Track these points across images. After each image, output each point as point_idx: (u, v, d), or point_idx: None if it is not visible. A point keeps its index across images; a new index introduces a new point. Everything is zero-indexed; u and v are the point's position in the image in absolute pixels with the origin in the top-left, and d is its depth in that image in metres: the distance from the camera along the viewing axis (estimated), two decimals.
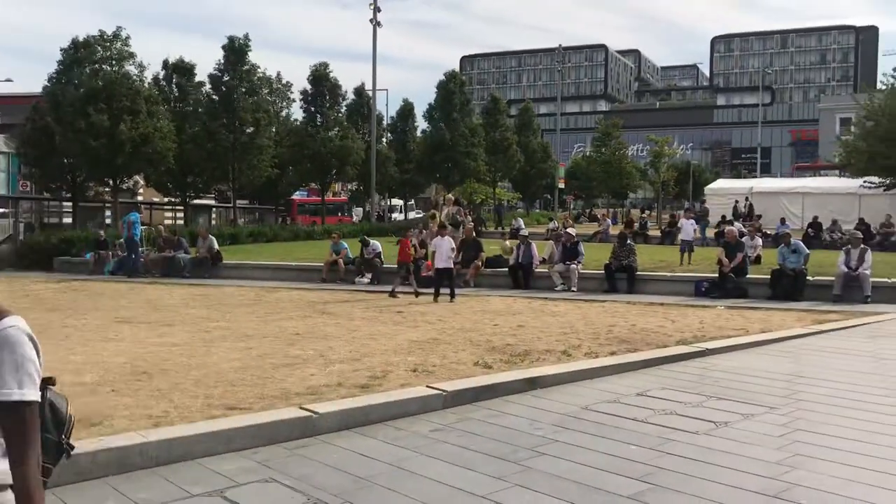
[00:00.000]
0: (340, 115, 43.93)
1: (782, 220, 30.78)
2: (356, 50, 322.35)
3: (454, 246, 15.55)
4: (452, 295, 14.33)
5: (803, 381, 7.32)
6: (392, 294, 14.83)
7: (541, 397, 6.73)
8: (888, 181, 31.80)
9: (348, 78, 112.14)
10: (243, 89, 36.84)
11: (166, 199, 43.52)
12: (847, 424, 5.87)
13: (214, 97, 37.22)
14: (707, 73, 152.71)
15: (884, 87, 35.48)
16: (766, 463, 4.97)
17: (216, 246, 20.54)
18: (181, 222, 40.63)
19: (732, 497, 4.41)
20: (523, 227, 30.92)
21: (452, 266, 14.99)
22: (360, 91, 48.03)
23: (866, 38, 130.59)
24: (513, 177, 59.47)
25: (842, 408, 6.36)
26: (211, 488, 4.53)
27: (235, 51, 37.03)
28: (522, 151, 56.38)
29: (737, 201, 37.75)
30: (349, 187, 59.99)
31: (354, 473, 4.81)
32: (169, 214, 46.81)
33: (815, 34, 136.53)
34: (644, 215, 45.16)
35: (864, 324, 10.96)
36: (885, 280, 14.16)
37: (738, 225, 24.87)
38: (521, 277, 16.85)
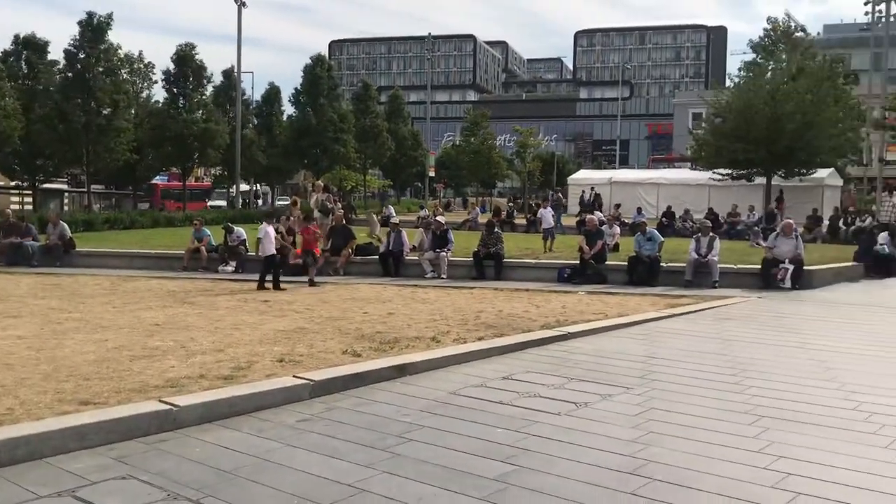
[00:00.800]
0: (205, 97, 42.42)
1: (639, 210, 32.31)
2: (227, 32, 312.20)
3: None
4: (276, 284, 14.01)
5: (657, 362, 7.71)
6: (311, 283, 14.56)
7: (410, 384, 6.76)
8: (734, 173, 33.88)
9: (218, 60, 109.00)
10: (100, 69, 34.93)
11: (13, 183, 40.76)
12: (696, 402, 6.22)
13: (68, 75, 35.10)
14: (570, 66, 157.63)
15: (731, 86, 37.77)
16: (624, 441, 5.20)
17: (69, 233, 19.43)
18: (29, 207, 38.20)
19: (592, 475, 4.58)
20: (394, 214, 30.96)
21: (275, 254, 14.67)
22: (228, 74, 46.58)
23: (717, 37, 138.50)
24: (383, 164, 59.43)
25: (692, 387, 6.74)
26: (61, 488, 4.27)
27: (94, 28, 35.04)
28: (393, 139, 56.40)
29: (583, 191, 39.51)
30: (213, 172, 58.17)
31: (217, 467, 4.66)
32: (16, 199, 43.90)
33: (671, 32, 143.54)
34: (511, 205, 46.23)
35: (713, 307, 11.64)
36: (731, 266, 15.10)
37: (598, 214, 25.88)
38: (392, 265, 16.87)
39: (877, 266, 16.21)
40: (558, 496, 4.26)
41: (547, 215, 22.07)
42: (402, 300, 12.40)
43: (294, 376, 6.46)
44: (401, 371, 7.02)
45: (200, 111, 40.82)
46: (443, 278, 16.03)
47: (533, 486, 4.41)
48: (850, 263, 16.34)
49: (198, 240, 18.11)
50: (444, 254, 16.49)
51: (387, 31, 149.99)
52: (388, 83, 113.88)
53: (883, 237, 17.14)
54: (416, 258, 16.96)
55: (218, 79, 45.86)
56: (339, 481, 4.44)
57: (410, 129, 64.28)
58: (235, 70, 41.49)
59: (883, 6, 40.56)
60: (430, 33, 65.57)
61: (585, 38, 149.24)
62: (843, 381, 6.90)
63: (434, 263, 16.47)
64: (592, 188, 39.75)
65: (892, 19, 41.88)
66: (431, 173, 55.02)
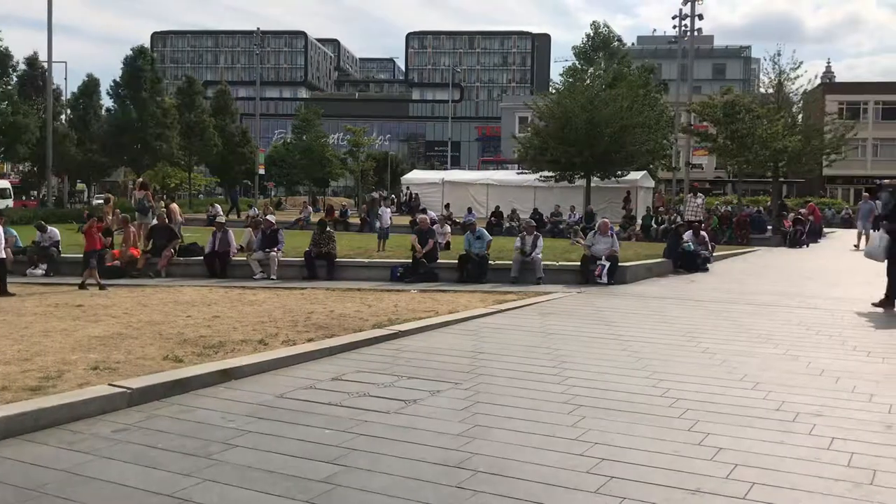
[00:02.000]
0: (10, 87, 39.16)
1: (469, 210, 33.15)
2: (32, 16, 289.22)
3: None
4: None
5: (484, 357, 7.93)
6: (82, 286, 13.60)
7: (235, 388, 6.57)
8: (557, 175, 35.47)
9: (27, 48, 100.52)
10: None
11: None
12: (520, 394, 6.46)
13: None
14: (403, 67, 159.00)
15: (553, 92, 39.48)
16: (451, 435, 5.31)
17: None
18: None
19: (419, 470, 4.64)
20: (221, 213, 29.96)
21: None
22: (32, 61, 43.23)
23: (541, 44, 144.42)
24: (210, 161, 57.30)
25: (516, 379, 6.99)
26: None
27: None
28: (220, 135, 54.51)
29: (401, 191, 40.46)
30: (21, 168, 53.86)
31: (18, 485, 4.32)
32: None
33: (499, 37, 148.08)
34: (345, 204, 46.06)
35: (536, 303, 12.13)
36: (554, 263, 15.80)
37: (431, 213, 26.32)
38: (218, 266, 16.32)
39: (683, 262, 17.48)
40: (385, 493, 4.29)
41: (386, 215, 22.20)
42: (228, 303, 12.02)
43: (110, 384, 6.11)
44: (226, 376, 6.80)
45: (6, 102, 37.66)
46: (273, 279, 15.70)
47: (360, 485, 4.41)
48: (660, 260, 17.53)
49: None
50: (275, 254, 16.16)
51: (217, 25, 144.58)
52: (215, 78, 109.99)
53: (688, 235, 18.53)
54: (244, 258, 16.50)
55: (22, 67, 42.46)
56: (158, 492, 4.24)
57: (239, 125, 62.41)
58: (45, 59, 38.65)
59: (688, 21, 43.86)
60: (258, 28, 64.02)
61: (417, 40, 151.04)
62: (652, 370, 7.39)
63: (263, 264, 16.09)
64: (408, 188, 40.71)
65: (696, 34, 45.38)
66: (261, 171, 53.68)
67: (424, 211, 28.24)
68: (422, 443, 5.15)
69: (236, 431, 5.36)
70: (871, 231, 25.55)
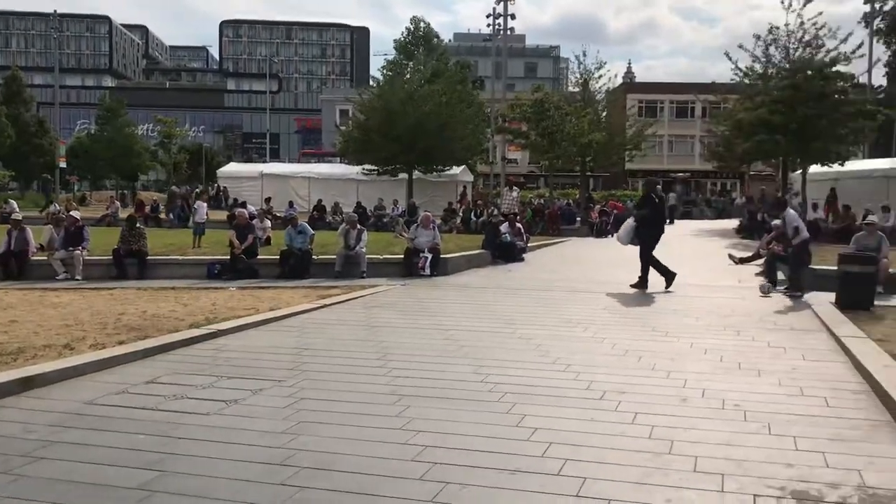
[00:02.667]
0: None
1: (290, 204, 32.58)
2: None
3: None
4: None
5: (308, 353, 7.86)
6: None
7: (38, 397, 6.11)
8: (380, 169, 35.63)
9: None
10: None
11: None
12: (345, 388, 6.47)
13: None
14: (217, 56, 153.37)
15: (374, 86, 39.64)
16: (274, 434, 5.23)
17: None
18: None
19: (241, 470, 4.54)
20: (17, 210, 27.61)
21: None
22: None
23: (360, 37, 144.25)
24: (2, 153, 52.61)
25: (341, 374, 6.99)
26: None
27: None
28: (13, 125, 50.18)
29: (209, 187, 39.81)
30: None
31: None
32: None
33: (317, 29, 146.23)
34: (156, 199, 43.77)
35: (361, 296, 12.16)
36: (378, 256, 15.90)
37: (250, 208, 25.65)
38: (15, 266, 15.06)
39: (501, 253, 18.15)
40: (206, 496, 4.17)
41: (202, 210, 21.34)
42: (27, 306, 11.13)
43: None
44: (27, 384, 6.31)
45: None
46: (78, 279, 14.71)
47: (179, 489, 4.25)
48: (479, 251, 18.10)
49: None
50: (79, 252, 15.13)
51: (4, 5, 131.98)
52: (5, 62, 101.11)
53: (505, 227, 19.25)
54: (45, 258, 15.34)
55: None
56: None
57: (35, 114, 57.76)
58: None
59: (501, 20, 45.38)
60: (55, 10, 59.44)
61: (232, 29, 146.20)
62: (473, 357, 7.64)
63: (67, 263, 15.04)
64: (216, 182, 39.94)
65: (509, 33, 47.06)
66: (62, 164, 49.95)
67: (244, 205, 27.47)
68: (244, 443, 5.04)
69: (40, 443, 5.00)
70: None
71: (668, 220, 38.11)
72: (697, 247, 24.54)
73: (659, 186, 15.10)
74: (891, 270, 12.82)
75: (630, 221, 13.63)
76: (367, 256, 15.34)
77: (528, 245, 20.74)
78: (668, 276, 13.02)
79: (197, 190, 43.58)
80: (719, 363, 7.56)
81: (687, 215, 44.70)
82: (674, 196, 44.06)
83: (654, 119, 56.51)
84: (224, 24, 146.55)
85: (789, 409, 5.91)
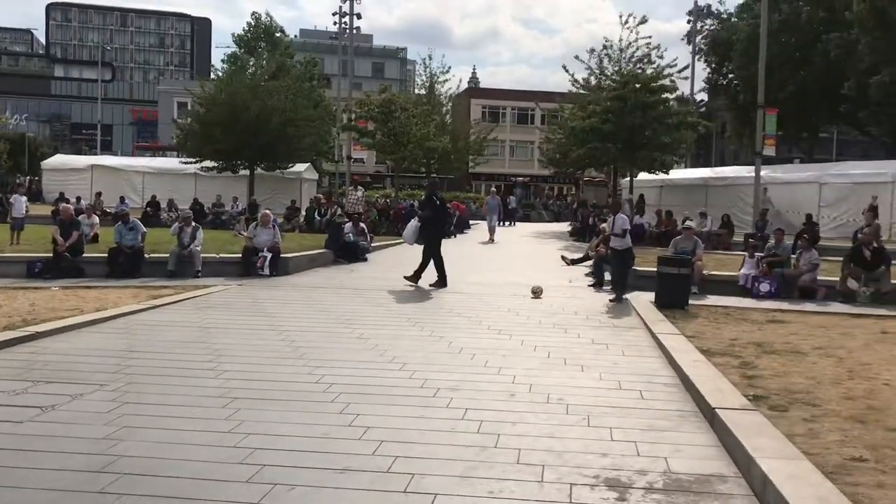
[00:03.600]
0: None
1: (122, 199, 30.99)
2: None
3: None
4: None
5: (135, 356, 7.53)
6: None
7: None
8: (220, 164, 34.51)
9: None
10: None
11: None
12: (173, 391, 6.26)
13: None
14: (43, 40, 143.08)
15: (215, 79, 38.36)
16: (93, 440, 5.00)
17: None
18: None
19: (57, 480, 4.31)
20: None
21: None
22: None
23: (201, 28, 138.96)
24: None
25: (169, 377, 6.75)
26: None
27: None
28: None
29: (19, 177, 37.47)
30: None
31: None
32: None
33: (155, 17, 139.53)
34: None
35: (194, 297, 11.75)
36: (214, 256, 15.44)
37: (83, 202, 24.21)
38: None
39: (344, 252, 18.09)
40: None
41: (20, 203, 19.89)
42: None
43: None
44: None
45: None
46: None
47: None
48: (322, 250, 17.95)
49: None
50: None
51: None
52: None
53: (348, 227, 19.19)
54: None
55: None
56: None
57: None
58: None
59: (347, 19, 45.22)
60: None
61: (60, 12, 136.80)
62: (309, 358, 7.60)
63: None
64: (26, 175, 37.62)
65: (356, 32, 46.97)
66: None
67: (71, 200, 25.83)
68: (61, 450, 4.79)
69: None
70: (496, 224, 28.78)
71: (509, 223, 39.57)
72: (534, 248, 25.56)
73: (439, 189, 16.19)
74: (704, 272, 13.89)
75: (414, 222, 14.24)
76: (203, 255, 14.87)
77: (372, 245, 20.79)
78: (443, 278, 13.68)
79: (18, 181, 40.61)
80: (547, 359, 7.93)
81: (526, 218, 46.31)
82: (514, 199, 45.59)
83: (496, 124, 58.26)
84: (51, 7, 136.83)
85: (608, 402, 6.29)
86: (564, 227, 35.22)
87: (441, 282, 13.63)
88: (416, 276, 13.70)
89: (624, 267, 12.65)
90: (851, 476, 4.34)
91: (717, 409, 5.60)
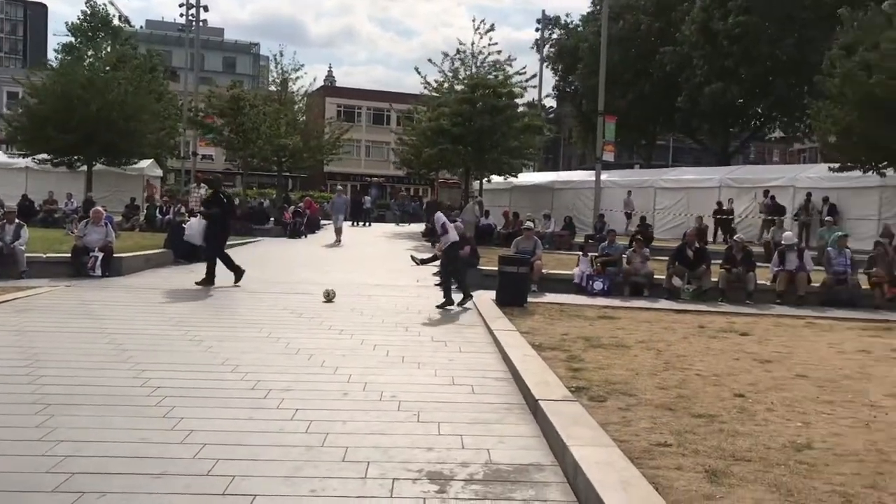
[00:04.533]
0: None
1: None
2: None
3: None
4: None
5: None
6: None
7: None
8: (54, 159, 32.41)
9: None
10: None
11: None
12: None
13: None
14: None
15: (50, 69, 35.96)
16: None
17: None
18: None
19: None
20: None
21: None
22: None
23: (35, 14, 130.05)
24: None
25: None
26: None
27: None
28: None
29: None
30: None
31: None
32: None
33: None
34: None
35: (14, 298, 10.93)
36: (41, 255, 14.50)
37: None
38: None
39: (184, 252, 17.40)
40: None
41: None
42: None
43: None
44: None
45: None
46: None
47: None
48: (161, 250, 17.22)
49: None
50: None
51: None
52: None
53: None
54: None
55: None
56: None
57: None
58: None
59: (195, 11, 43.68)
60: None
61: None
62: (136, 361, 7.27)
63: None
64: None
65: (205, 25, 45.45)
66: None
67: None
68: None
69: None
70: (342, 225, 28.56)
71: (364, 223, 39.45)
72: (386, 248, 25.65)
73: (223, 185, 15.89)
74: (544, 271, 14.41)
75: (199, 220, 14.11)
76: (29, 255, 13.92)
77: None
78: (238, 272, 13.66)
79: None
80: (385, 357, 7.97)
81: (381, 218, 46.37)
82: (369, 199, 45.52)
83: (351, 123, 57.98)
84: None
85: (439, 398, 6.41)
86: (418, 227, 35.56)
87: (210, 280, 13.36)
88: (208, 280, 13.40)
89: (457, 266, 12.50)
90: (655, 460, 4.64)
91: (540, 401, 5.83)
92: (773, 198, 24.74)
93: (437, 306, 11.72)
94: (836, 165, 22.67)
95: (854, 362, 8.24)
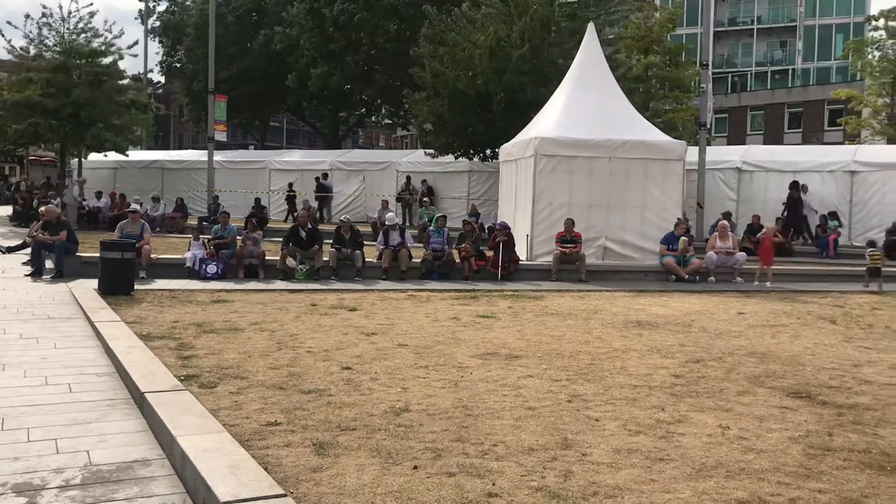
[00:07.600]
0: None
1: None
2: None
3: None
4: None
5: None
6: None
7: None
8: None
9: None
10: None
11: None
12: None
13: None
14: None
15: None
16: None
17: None
18: None
19: None
20: None
21: None
22: None
23: None
24: None
25: None
26: None
27: None
28: None
29: None
30: None
31: None
32: None
33: None
34: None
35: None
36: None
37: None
38: None
39: None
40: None
41: None
42: None
43: None
44: None
45: None
46: None
47: None
48: None
49: None
50: None
51: None
52: None
53: None
54: None
55: None
56: None
57: None
58: None
59: None
60: None
61: None
62: None
63: None
64: None
65: None
66: None
67: None
68: None
69: None
70: None
71: None
72: None
73: None
74: (153, 256, 13.71)
75: None
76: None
77: None
78: None
79: None
80: None
81: None
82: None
83: None
84: None
85: (30, 401, 5.78)
86: (5, 210, 31.41)
87: None
88: None
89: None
90: (265, 440, 4.70)
91: (146, 394, 5.55)
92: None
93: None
94: (432, 151, 24.90)
95: (446, 328, 9.15)
